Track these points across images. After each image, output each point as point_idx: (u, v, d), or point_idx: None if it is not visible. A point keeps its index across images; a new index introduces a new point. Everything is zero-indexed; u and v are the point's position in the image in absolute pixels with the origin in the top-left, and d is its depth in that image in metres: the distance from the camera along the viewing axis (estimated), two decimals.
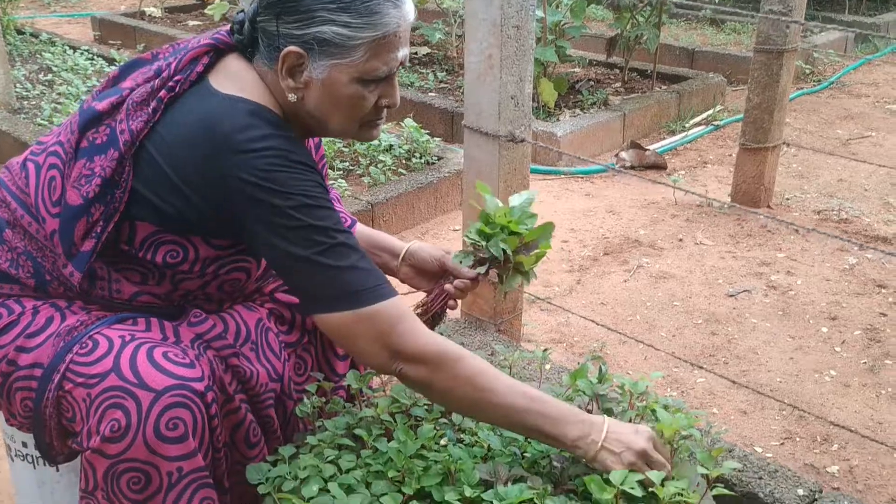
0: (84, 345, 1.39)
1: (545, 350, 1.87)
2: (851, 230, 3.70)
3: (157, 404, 1.32)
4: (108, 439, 1.32)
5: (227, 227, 1.40)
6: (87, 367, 1.36)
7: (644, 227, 3.74)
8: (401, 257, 1.77)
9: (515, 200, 1.74)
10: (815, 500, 1.80)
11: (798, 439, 2.30)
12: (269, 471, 1.49)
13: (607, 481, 1.36)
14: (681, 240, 3.61)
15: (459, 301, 1.83)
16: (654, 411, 1.64)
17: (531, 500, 1.41)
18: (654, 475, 1.44)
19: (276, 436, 1.61)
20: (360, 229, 1.82)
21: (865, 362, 2.69)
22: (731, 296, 3.12)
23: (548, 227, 1.70)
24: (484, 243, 1.69)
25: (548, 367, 2.16)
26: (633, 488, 1.44)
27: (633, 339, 2.74)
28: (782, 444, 2.29)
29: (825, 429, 2.35)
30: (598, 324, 2.81)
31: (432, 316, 1.76)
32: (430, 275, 1.77)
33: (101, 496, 1.37)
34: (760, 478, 1.86)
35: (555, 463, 1.51)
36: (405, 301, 1.43)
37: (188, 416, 1.34)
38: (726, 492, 1.51)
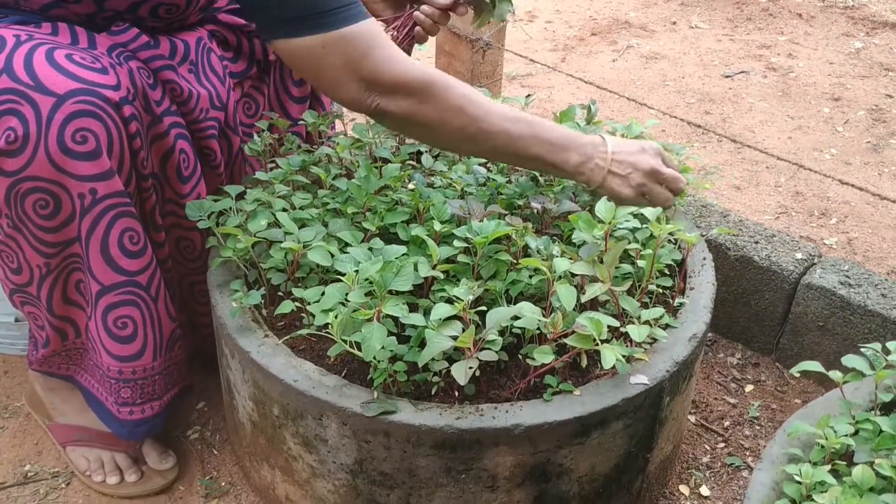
0: None
1: (529, 95, 1.68)
2: (858, 16, 3.47)
3: (59, 111, 1.11)
4: (4, 152, 1.12)
5: None
6: None
7: (635, 10, 3.49)
8: None
9: None
10: (814, 264, 1.69)
11: (794, 213, 2.19)
12: (211, 206, 1.33)
13: (595, 218, 1.21)
14: (674, 23, 3.37)
15: (431, 39, 1.61)
16: None
17: (508, 235, 1.26)
18: (650, 212, 1.29)
19: (218, 174, 1.43)
20: None
21: (869, 142, 2.55)
22: (728, 76, 2.94)
23: None
24: None
25: None
26: (627, 221, 1.30)
27: (619, 111, 2.55)
28: (777, 217, 2.17)
29: (823, 203, 2.23)
30: (582, 105, 2.63)
31: None
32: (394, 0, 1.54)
33: (7, 223, 1.19)
34: (756, 242, 1.74)
35: (534, 204, 1.36)
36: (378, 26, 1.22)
37: (100, 128, 1.14)
38: (727, 229, 1.38)
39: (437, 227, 1.26)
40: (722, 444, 1.54)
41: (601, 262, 1.15)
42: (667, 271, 1.34)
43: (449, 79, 1.21)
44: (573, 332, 1.09)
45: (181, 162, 1.31)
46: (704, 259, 1.41)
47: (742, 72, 2.98)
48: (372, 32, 1.16)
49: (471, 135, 1.22)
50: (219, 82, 1.41)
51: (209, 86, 1.39)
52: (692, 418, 1.58)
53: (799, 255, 1.69)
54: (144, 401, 1.36)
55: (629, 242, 1.27)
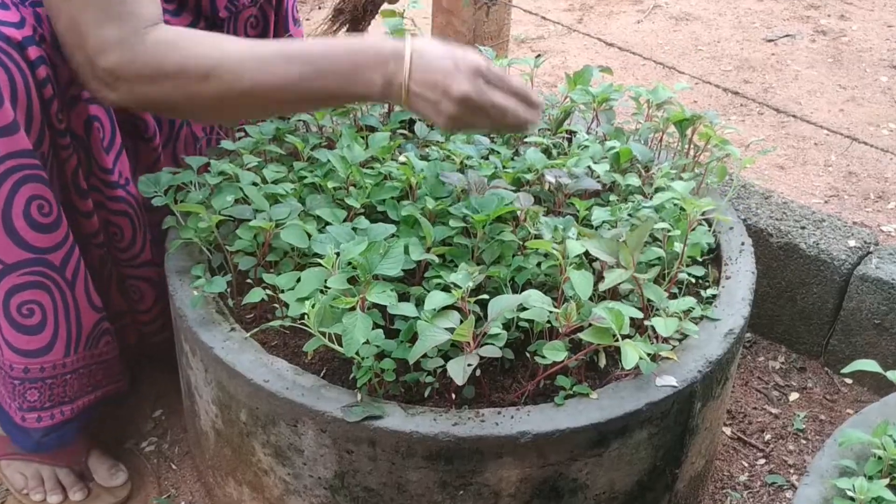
0: None
1: (538, 56, 1.68)
2: None
3: None
4: None
5: None
6: None
7: None
8: None
9: None
10: (870, 252, 1.68)
11: (847, 196, 2.19)
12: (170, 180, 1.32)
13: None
14: None
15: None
16: (680, 123, 1.48)
17: (514, 214, 1.25)
18: (681, 186, 1.28)
19: (153, 148, 1.41)
20: None
21: None
22: (770, 41, 2.95)
23: None
24: None
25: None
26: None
27: (644, 79, 2.55)
28: (827, 202, 2.17)
29: (880, 185, 2.23)
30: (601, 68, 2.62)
31: (361, 12, 1.51)
32: None
33: None
34: (803, 227, 1.73)
35: (548, 178, 1.35)
36: None
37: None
38: (723, 218, 1.37)
39: (432, 203, 1.25)
40: (762, 461, 1.53)
41: (624, 244, 1.14)
42: (699, 258, 1.33)
43: (169, 36, 1.14)
44: (589, 325, 1.08)
45: (97, 130, 1.29)
46: (743, 245, 1.40)
47: (787, 35, 2.98)
48: None
49: (235, 99, 1.16)
50: None
51: None
52: (728, 430, 1.58)
53: (852, 243, 1.69)
54: (54, 404, 1.33)
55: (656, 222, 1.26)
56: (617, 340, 1.06)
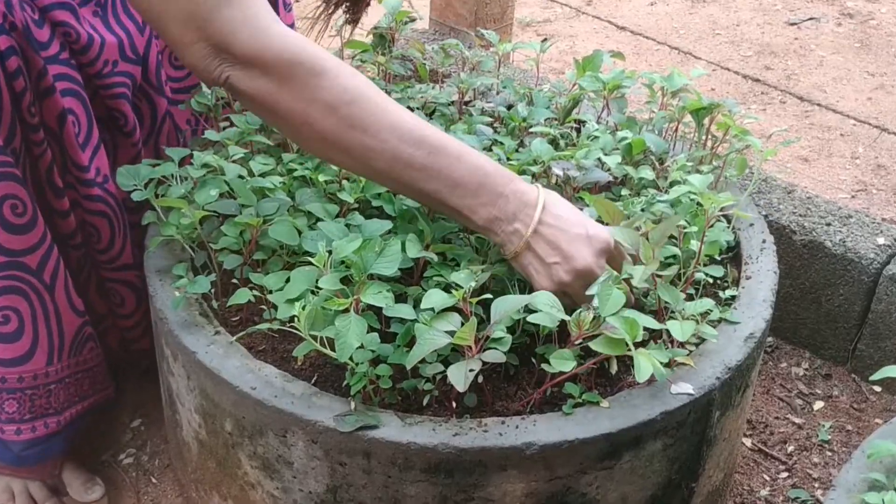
0: None
1: (545, 40, 1.67)
2: None
3: None
4: None
5: None
6: None
7: None
8: None
9: None
10: None
11: (875, 191, 2.20)
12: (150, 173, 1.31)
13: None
14: None
15: None
16: (696, 111, 1.47)
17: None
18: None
19: (133, 143, 1.40)
20: None
21: None
22: (793, 24, 2.96)
23: None
24: None
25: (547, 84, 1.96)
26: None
27: (657, 65, 2.55)
28: (854, 196, 2.18)
29: None
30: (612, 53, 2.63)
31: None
32: None
33: None
34: (829, 224, 1.73)
35: (555, 170, 1.34)
36: None
37: None
38: (743, 214, 1.36)
39: None
40: (785, 474, 1.53)
41: (645, 237, 1.13)
42: (717, 257, 1.32)
43: (328, 62, 1.12)
44: (600, 333, 1.07)
45: (71, 124, 1.28)
46: (764, 243, 1.40)
47: (811, 18, 2.99)
48: None
49: (343, 145, 1.13)
50: (135, 28, 1.37)
51: (121, 32, 1.35)
52: (748, 442, 1.57)
53: (881, 241, 1.69)
54: (35, 416, 1.33)
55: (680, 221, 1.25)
56: (629, 350, 1.05)
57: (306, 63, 1.10)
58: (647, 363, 1.04)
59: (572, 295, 1.14)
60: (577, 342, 1.09)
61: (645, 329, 1.09)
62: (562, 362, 1.07)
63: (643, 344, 1.09)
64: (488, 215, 1.14)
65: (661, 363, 1.07)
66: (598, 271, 1.13)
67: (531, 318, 1.09)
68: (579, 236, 1.14)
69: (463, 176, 1.13)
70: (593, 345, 1.07)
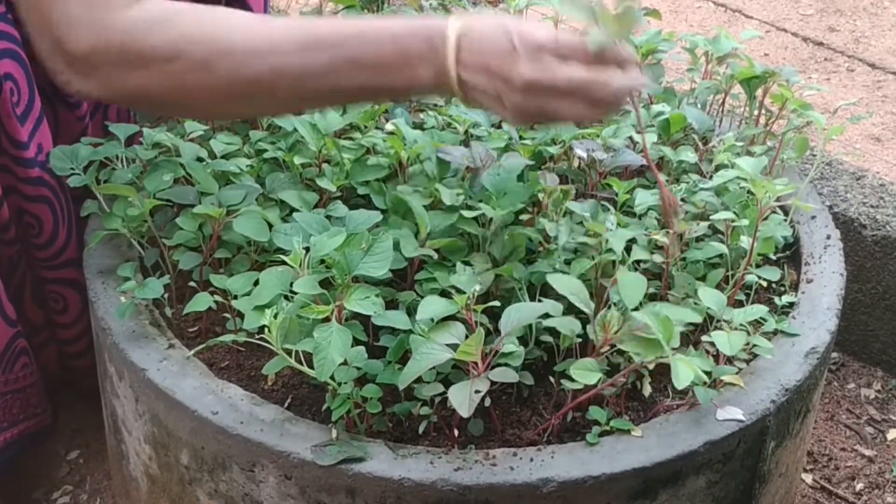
0: None
1: None
2: None
3: None
4: None
5: None
6: None
7: None
8: None
9: None
10: None
11: None
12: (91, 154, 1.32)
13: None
14: None
15: None
16: (748, 81, 1.48)
17: (537, 193, 1.26)
18: (749, 163, 1.27)
19: (79, 117, 1.42)
20: None
21: None
22: None
23: None
24: None
25: None
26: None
27: (700, 24, 2.55)
28: None
29: None
30: (646, 11, 2.64)
31: None
32: None
33: None
34: None
35: (578, 152, 1.35)
36: None
37: None
38: (803, 205, 1.37)
39: (426, 184, 1.25)
40: None
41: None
42: (772, 256, 1.33)
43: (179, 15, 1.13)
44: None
45: (8, 92, 1.29)
46: (829, 239, 1.41)
47: None
48: None
49: (237, 92, 1.13)
50: None
51: None
52: (808, 477, 1.58)
53: None
54: None
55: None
56: (664, 356, 1.05)
57: (158, 45, 1.11)
58: (686, 368, 1.03)
59: (553, 116, 1.12)
60: (602, 350, 1.10)
61: (683, 343, 1.09)
62: (585, 374, 1.08)
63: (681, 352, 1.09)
64: (432, 78, 1.11)
65: (706, 376, 1.07)
66: (543, 76, 1.08)
67: (548, 323, 1.09)
68: (504, 49, 1.09)
69: (385, 56, 1.11)
70: (623, 345, 1.07)
